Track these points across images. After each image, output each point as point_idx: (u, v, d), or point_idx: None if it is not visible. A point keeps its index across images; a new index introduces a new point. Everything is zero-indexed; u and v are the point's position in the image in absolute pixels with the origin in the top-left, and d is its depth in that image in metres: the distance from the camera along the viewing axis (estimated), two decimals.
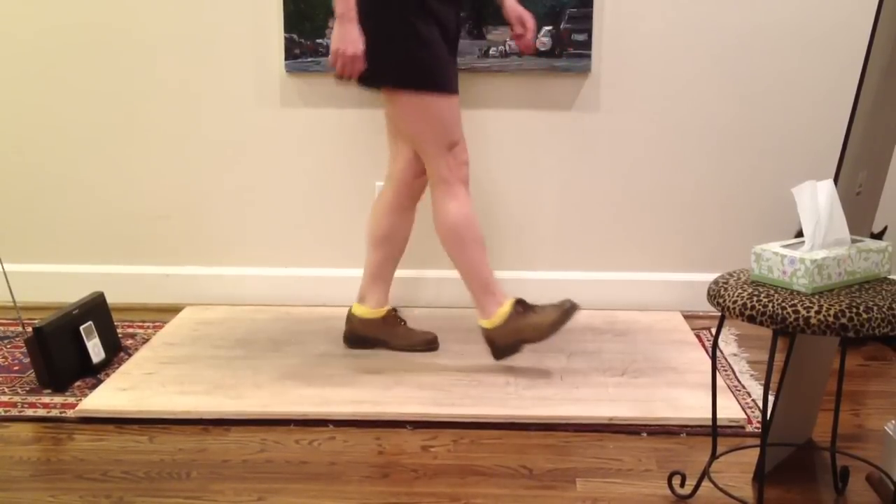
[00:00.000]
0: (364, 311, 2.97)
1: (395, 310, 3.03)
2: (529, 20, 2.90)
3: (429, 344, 2.98)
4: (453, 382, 2.72)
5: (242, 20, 3.32)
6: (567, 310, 2.75)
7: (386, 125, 2.92)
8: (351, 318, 3.00)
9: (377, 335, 2.97)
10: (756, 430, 2.45)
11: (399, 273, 3.33)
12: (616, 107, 3.33)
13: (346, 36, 2.62)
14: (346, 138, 3.38)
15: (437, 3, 2.68)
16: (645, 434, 2.45)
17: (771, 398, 2.15)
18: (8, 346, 3.07)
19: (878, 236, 3.16)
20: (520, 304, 2.79)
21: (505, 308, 2.78)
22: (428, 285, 3.44)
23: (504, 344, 2.80)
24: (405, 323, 3.03)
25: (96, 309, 2.92)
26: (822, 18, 3.24)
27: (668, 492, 2.14)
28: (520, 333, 2.77)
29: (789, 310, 1.78)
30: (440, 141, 2.75)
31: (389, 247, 2.95)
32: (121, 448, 2.38)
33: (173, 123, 3.40)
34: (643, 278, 3.44)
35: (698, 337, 3.13)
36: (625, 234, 3.42)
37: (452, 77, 2.76)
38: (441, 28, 2.70)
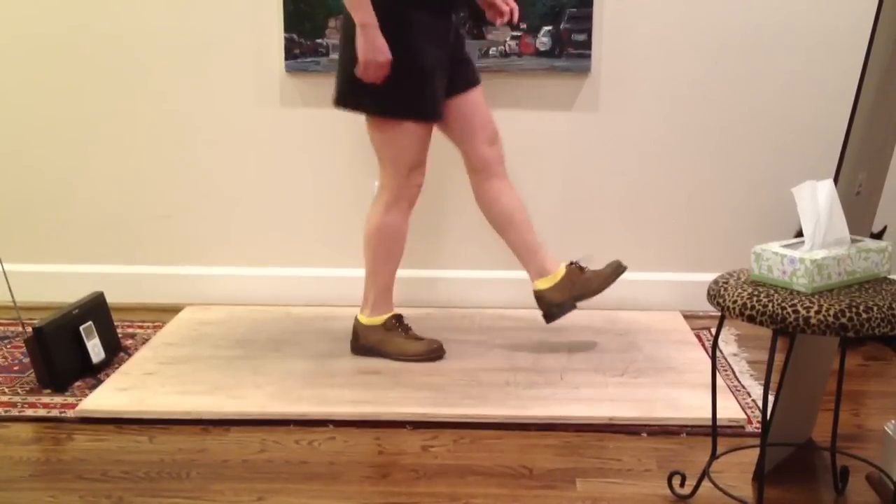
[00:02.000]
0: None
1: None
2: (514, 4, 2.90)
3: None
4: (453, 382, 2.72)
5: (242, 20, 3.32)
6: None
7: None
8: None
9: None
10: (756, 430, 2.45)
11: (400, 273, 3.33)
12: (616, 107, 3.33)
13: (374, 43, 2.60)
14: (346, 138, 3.38)
15: (430, 19, 2.68)
16: (645, 434, 2.45)
17: (771, 398, 2.15)
18: (8, 346, 3.07)
19: (878, 236, 3.16)
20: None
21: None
22: (428, 285, 3.43)
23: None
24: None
25: (96, 309, 2.92)
26: (822, 19, 3.24)
27: (668, 492, 2.14)
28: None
29: (789, 310, 1.78)
30: (401, 162, 2.78)
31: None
32: (121, 448, 2.38)
33: (173, 123, 3.40)
34: (643, 278, 3.44)
35: (698, 337, 3.13)
36: (625, 233, 3.42)
37: (431, 103, 2.74)
38: (434, 43, 2.69)
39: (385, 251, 2.87)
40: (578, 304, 2.90)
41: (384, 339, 2.89)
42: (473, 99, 2.86)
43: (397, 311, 2.95)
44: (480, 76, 2.90)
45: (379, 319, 2.90)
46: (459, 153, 2.92)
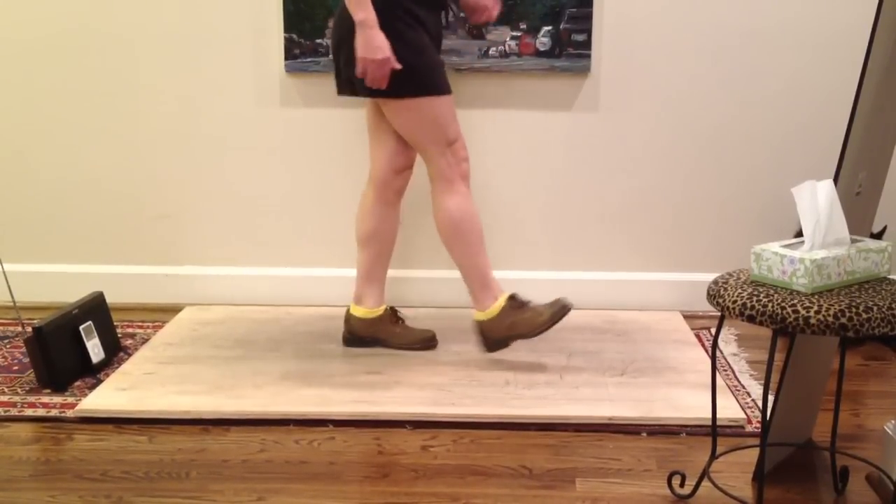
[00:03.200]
0: (362, 311, 2.97)
1: (392, 308, 3.03)
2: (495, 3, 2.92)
3: (427, 342, 2.98)
4: (453, 382, 2.72)
5: (242, 20, 3.32)
6: (560, 308, 2.80)
7: (368, 126, 2.93)
8: (349, 318, 3.00)
9: (375, 334, 2.98)
10: (756, 430, 2.45)
11: (398, 273, 3.34)
12: (616, 107, 3.33)
13: (371, 42, 2.60)
14: (346, 138, 3.38)
15: (422, 11, 2.71)
16: (645, 434, 2.45)
17: (771, 398, 2.15)
18: (8, 346, 3.07)
19: (878, 236, 3.16)
20: (513, 298, 2.83)
21: (500, 302, 2.82)
22: (427, 285, 3.43)
23: (497, 337, 2.85)
24: (403, 321, 3.03)
25: (96, 309, 2.92)
26: (822, 19, 3.24)
27: (668, 492, 2.14)
28: (513, 328, 2.81)
29: (789, 310, 1.78)
30: (439, 140, 2.78)
31: (377, 245, 2.96)
32: (120, 448, 2.38)
33: (173, 123, 3.40)
34: (643, 278, 3.44)
35: (698, 337, 3.13)
36: (625, 233, 3.42)
37: (444, 77, 2.78)
38: (428, 34, 2.73)
39: (469, 235, 2.81)
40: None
41: (515, 322, 2.80)
42: None
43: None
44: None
45: (500, 303, 2.82)
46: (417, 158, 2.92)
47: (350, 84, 2.77)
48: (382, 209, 2.92)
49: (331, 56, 2.85)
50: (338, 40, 2.76)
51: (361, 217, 2.96)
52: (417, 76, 2.70)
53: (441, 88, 2.76)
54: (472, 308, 2.89)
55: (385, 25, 2.62)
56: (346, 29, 2.67)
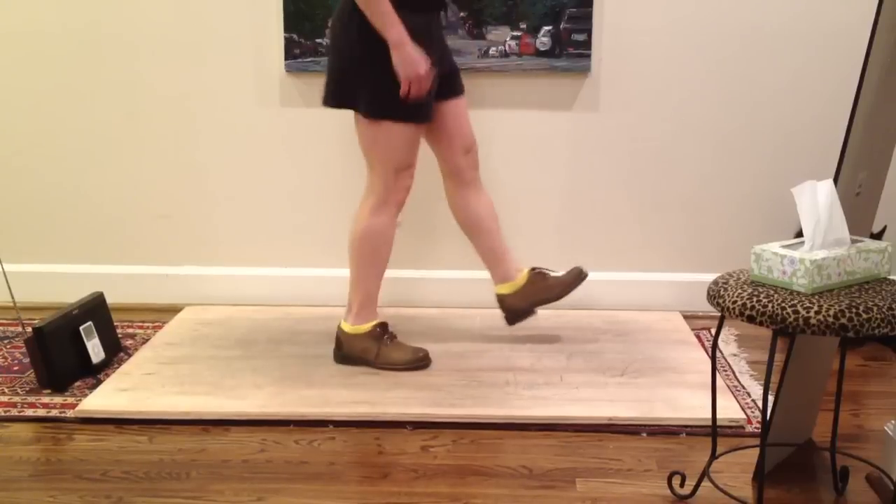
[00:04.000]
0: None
1: (382, 324, 2.91)
2: None
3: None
4: (453, 382, 2.72)
5: (242, 20, 3.32)
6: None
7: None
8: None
9: (364, 355, 2.85)
10: (756, 430, 2.45)
11: (397, 273, 3.33)
12: (616, 107, 3.33)
13: (411, 58, 2.58)
14: (346, 138, 3.37)
15: (411, 15, 2.61)
16: (645, 434, 2.45)
17: (771, 398, 2.15)
18: (8, 346, 3.07)
19: (878, 236, 3.16)
20: (383, 330, 2.85)
21: (366, 326, 2.83)
22: (428, 285, 3.43)
23: (347, 353, 2.85)
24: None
25: (96, 309, 2.92)
26: (821, 19, 3.24)
27: (668, 492, 2.14)
28: (365, 354, 2.83)
29: (789, 310, 1.78)
30: (389, 164, 2.75)
31: (488, 228, 2.95)
32: (121, 448, 2.38)
33: (173, 123, 3.40)
34: (643, 278, 3.44)
35: (698, 337, 3.13)
36: (625, 234, 3.42)
37: (419, 106, 2.68)
38: (420, 41, 2.62)
39: (370, 255, 2.82)
40: (539, 308, 2.95)
41: (368, 348, 2.83)
42: (456, 107, 2.86)
43: (381, 318, 2.89)
44: (464, 88, 2.90)
45: (364, 328, 2.84)
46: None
47: (335, 98, 2.74)
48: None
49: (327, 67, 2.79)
50: (339, 53, 2.72)
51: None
52: (387, 98, 2.64)
53: (410, 117, 2.69)
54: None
55: (365, 38, 2.59)
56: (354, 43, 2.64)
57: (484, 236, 2.95)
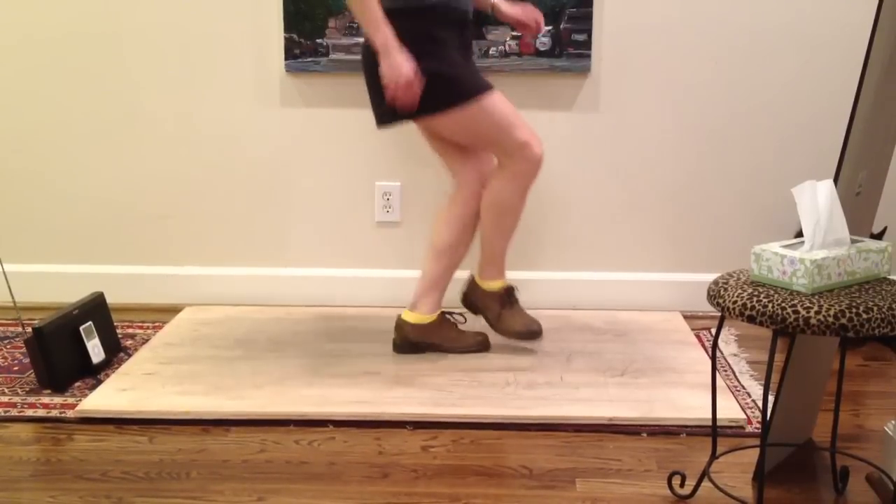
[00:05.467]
0: (415, 316, 2.92)
1: (447, 313, 2.98)
2: (538, 15, 2.93)
3: (480, 345, 2.94)
4: (453, 382, 2.72)
5: (242, 20, 3.32)
6: (527, 332, 2.93)
7: (432, 147, 2.91)
8: (402, 324, 2.93)
9: (430, 339, 2.93)
10: (756, 430, 2.45)
11: (401, 273, 3.34)
12: (616, 107, 3.33)
13: (397, 67, 2.57)
14: (346, 138, 3.38)
15: (443, 33, 2.67)
16: (645, 434, 2.45)
17: (771, 398, 2.15)
18: (8, 347, 3.07)
19: (878, 236, 3.16)
20: (509, 292, 2.92)
21: (499, 283, 2.92)
22: None
23: (474, 304, 2.97)
24: (457, 325, 2.98)
25: (96, 309, 2.92)
26: (821, 19, 3.24)
27: (668, 492, 2.14)
28: (485, 311, 2.95)
29: (789, 310, 1.78)
30: (503, 142, 2.75)
31: (451, 257, 2.91)
32: (121, 448, 2.38)
33: (173, 123, 3.40)
34: (643, 278, 3.44)
35: (698, 337, 3.13)
36: (625, 234, 3.42)
37: (481, 78, 2.75)
38: (453, 49, 2.70)
39: (504, 222, 2.86)
40: (427, 350, 2.95)
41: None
42: None
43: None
44: None
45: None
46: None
47: (392, 114, 2.72)
48: (467, 222, 2.86)
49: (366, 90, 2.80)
50: (368, 74, 2.73)
51: (443, 227, 2.88)
52: (448, 87, 2.66)
53: (477, 90, 2.71)
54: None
55: (409, 50, 2.60)
56: (372, 61, 2.65)
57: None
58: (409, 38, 2.61)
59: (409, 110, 2.66)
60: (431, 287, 2.92)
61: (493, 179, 2.83)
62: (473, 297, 2.96)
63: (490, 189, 2.83)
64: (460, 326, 2.98)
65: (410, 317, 2.92)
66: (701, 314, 3.36)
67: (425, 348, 2.92)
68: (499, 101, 2.75)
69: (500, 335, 2.93)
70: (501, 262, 2.91)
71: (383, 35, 2.58)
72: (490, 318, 2.93)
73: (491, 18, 3.05)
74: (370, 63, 2.67)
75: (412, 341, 2.92)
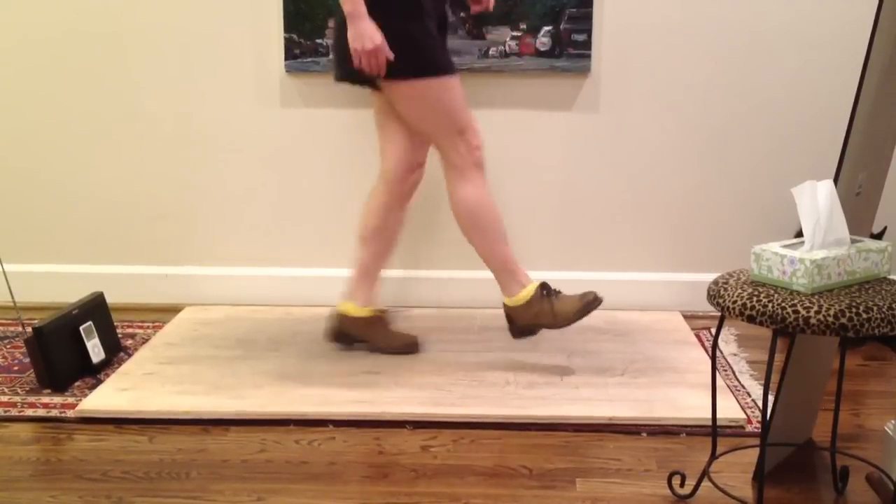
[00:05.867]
0: (350, 308, 2.94)
1: (381, 310, 2.99)
2: None
3: (409, 347, 2.94)
4: (453, 382, 2.72)
5: (242, 20, 3.32)
6: (589, 302, 2.77)
7: (376, 122, 2.91)
8: (336, 314, 2.96)
9: (360, 333, 2.95)
10: (756, 430, 2.45)
11: (399, 273, 3.34)
12: (616, 107, 3.33)
13: (362, 33, 2.60)
14: (345, 138, 3.38)
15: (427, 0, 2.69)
16: (645, 434, 2.45)
17: (771, 398, 2.15)
18: (8, 346, 3.07)
19: (878, 236, 3.16)
20: (543, 287, 2.81)
21: (528, 290, 2.79)
22: (428, 285, 3.43)
23: (522, 324, 2.82)
24: (389, 324, 2.99)
25: (96, 309, 2.92)
26: (822, 19, 3.24)
27: (668, 492, 2.14)
28: (538, 317, 2.79)
29: (789, 310, 1.78)
30: (448, 127, 2.74)
31: (379, 244, 2.92)
32: (120, 448, 2.38)
33: (173, 123, 3.40)
34: (643, 278, 3.44)
35: (698, 337, 3.13)
36: (625, 233, 3.42)
37: (448, 59, 2.77)
38: (431, 20, 2.70)
39: (488, 223, 2.79)
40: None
41: (540, 312, 2.79)
42: None
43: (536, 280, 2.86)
44: None
45: (525, 295, 2.80)
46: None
47: (351, 73, 2.72)
48: (391, 209, 2.88)
49: (332, 49, 2.81)
50: (338, 34, 2.74)
51: (368, 214, 2.91)
52: (421, 56, 2.68)
53: (445, 69, 2.72)
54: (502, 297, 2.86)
55: (386, 13, 2.61)
56: (342, 21, 2.67)
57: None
58: (390, 4, 2.62)
59: (377, 75, 2.66)
60: (363, 276, 2.93)
61: (450, 191, 2.81)
62: (520, 323, 2.83)
63: (452, 202, 2.81)
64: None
65: (344, 307, 2.94)
66: (701, 314, 3.36)
67: (354, 340, 2.95)
68: (458, 87, 2.76)
69: (570, 325, 2.79)
70: (516, 269, 2.82)
71: (353, 3, 2.59)
72: (548, 321, 2.79)
73: (490, 19, 3.05)
74: (340, 23, 2.68)
75: (343, 332, 2.95)
